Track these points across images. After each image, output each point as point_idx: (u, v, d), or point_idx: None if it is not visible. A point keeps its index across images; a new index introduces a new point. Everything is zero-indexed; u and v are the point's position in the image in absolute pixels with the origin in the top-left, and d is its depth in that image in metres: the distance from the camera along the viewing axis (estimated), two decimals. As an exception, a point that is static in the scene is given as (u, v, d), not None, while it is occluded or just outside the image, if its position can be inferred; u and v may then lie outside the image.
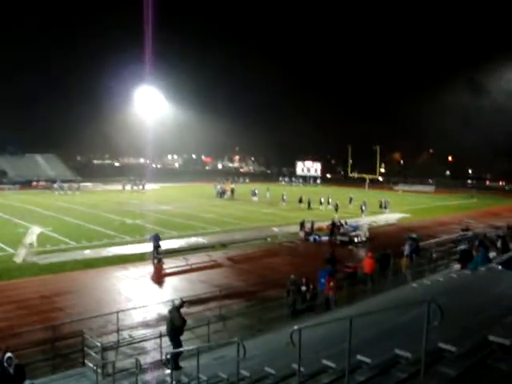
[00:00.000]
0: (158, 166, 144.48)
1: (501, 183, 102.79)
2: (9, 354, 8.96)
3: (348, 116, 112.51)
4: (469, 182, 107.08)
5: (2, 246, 27.69)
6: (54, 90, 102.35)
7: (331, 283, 17.33)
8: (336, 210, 44.93)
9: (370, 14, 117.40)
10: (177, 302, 12.22)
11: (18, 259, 24.05)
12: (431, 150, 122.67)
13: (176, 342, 11.79)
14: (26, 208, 45.00)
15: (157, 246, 25.28)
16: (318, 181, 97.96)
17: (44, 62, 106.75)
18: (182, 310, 12.36)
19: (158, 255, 25.18)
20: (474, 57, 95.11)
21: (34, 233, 25.85)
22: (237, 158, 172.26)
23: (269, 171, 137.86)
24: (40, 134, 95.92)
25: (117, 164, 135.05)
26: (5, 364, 8.86)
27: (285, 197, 53.68)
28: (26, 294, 19.16)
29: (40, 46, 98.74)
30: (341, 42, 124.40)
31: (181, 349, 11.53)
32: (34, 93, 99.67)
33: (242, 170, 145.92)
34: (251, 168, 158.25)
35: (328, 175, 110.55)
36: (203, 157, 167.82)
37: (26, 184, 70.72)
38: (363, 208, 45.72)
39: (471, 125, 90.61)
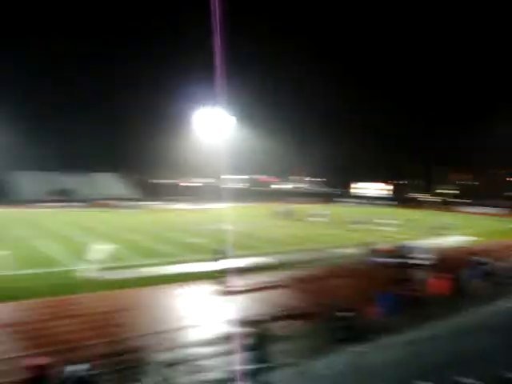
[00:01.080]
0: (224, 185, 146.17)
1: None
2: (70, 368, 9.11)
3: (424, 135, 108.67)
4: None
5: (67, 261, 28.78)
6: (122, 111, 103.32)
7: (375, 308, 16.98)
8: (409, 232, 43.97)
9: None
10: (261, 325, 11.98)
11: (83, 275, 24.89)
12: (503, 171, 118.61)
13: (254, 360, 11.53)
14: (91, 225, 46.50)
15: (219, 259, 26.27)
16: (389, 202, 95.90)
17: (105, 81, 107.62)
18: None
19: (220, 274, 25.31)
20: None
21: (98, 249, 26.66)
22: (302, 178, 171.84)
23: (336, 191, 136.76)
24: (104, 153, 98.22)
25: (182, 184, 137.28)
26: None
27: (356, 219, 52.95)
28: (88, 308, 19.56)
29: (101, 67, 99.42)
30: (415, 55, 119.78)
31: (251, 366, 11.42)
32: (99, 112, 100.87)
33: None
34: (315, 188, 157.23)
35: (398, 196, 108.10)
36: (266, 176, 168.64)
37: (91, 202, 73.23)
38: (435, 230, 44.72)
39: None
